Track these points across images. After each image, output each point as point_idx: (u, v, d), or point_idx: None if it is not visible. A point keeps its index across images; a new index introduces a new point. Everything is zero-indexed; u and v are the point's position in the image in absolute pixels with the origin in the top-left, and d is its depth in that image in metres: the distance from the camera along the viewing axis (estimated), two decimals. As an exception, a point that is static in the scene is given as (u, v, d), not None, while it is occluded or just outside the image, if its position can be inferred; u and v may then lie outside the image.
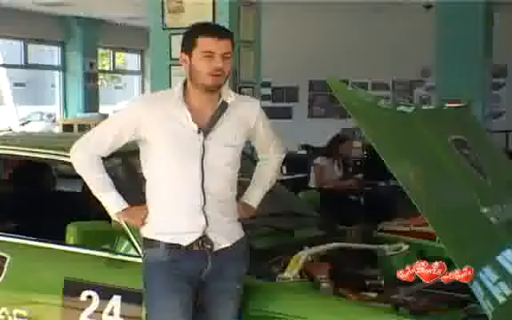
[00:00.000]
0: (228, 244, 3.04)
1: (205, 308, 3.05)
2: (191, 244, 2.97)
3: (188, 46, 2.99)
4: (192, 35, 3.01)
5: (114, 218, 3.25)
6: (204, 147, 2.96)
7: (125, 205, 3.10)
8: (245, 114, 3.10)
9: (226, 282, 3.02)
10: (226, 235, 3.04)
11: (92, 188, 3.13)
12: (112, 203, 3.12)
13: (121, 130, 3.05)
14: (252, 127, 3.13)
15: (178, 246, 2.97)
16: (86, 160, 3.10)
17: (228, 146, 3.02)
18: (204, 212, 2.97)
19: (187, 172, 2.96)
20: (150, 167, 3.04)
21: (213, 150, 2.98)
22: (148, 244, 3.04)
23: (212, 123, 2.99)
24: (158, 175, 3.01)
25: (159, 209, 3.03)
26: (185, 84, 3.04)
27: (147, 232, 3.06)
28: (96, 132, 3.14)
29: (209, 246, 2.98)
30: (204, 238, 2.98)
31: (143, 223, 3.06)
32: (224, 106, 3.02)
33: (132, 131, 3.01)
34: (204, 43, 2.95)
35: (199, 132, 2.97)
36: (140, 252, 3.16)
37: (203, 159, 2.96)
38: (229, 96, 3.05)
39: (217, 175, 3.00)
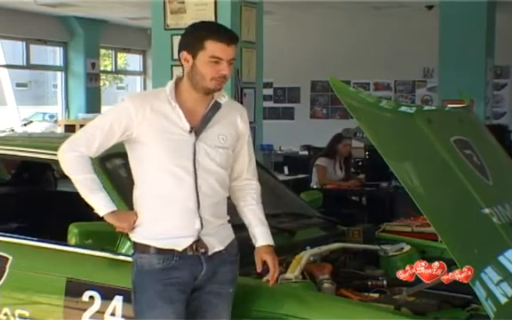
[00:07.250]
0: (221, 248, 2.95)
1: (199, 314, 2.95)
2: (185, 249, 2.88)
3: (192, 46, 2.87)
4: (200, 35, 2.87)
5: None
6: (195, 147, 2.88)
7: (114, 208, 2.97)
8: (235, 118, 3.02)
9: (220, 285, 2.94)
10: (219, 238, 2.96)
11: (79, 188, 2.96)
12: (100, 204, 2.95)
13: (111, 126, 2.89)
14: (239, 133, 3.03)
15: (171, 251, 2.87)
16: (75, 160, 2.93)
17: (219, 147, 2.94)
18: (199, 215, 2.89)
19: (180, 173, 2.86)
20: (141, 168, 2.93)
21: (204, 151, 2.89)
22: (139, 249, 2.92)
23: (205, 123, 2.91)
24: (150, 176, 2.90)
25: (151, 212, 2.92)
26: (176, 82, 2.94)
27: (137, 237, 2.95)
28: (85, 132, 2.97)
29: (203, 250, 2.89)
30: (198, 242, 2.89)
31: (132, 228, 2.95)
32: (217, 106, 2.94)
33: (123, 128, 2.87)
34: (214, 48, 2.84)
35: (191, 132, 2.88)
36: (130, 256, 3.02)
37: (195, 159, 2.88)
38: (222, 96, 2.97)
39: (209, 176, 2.91)
